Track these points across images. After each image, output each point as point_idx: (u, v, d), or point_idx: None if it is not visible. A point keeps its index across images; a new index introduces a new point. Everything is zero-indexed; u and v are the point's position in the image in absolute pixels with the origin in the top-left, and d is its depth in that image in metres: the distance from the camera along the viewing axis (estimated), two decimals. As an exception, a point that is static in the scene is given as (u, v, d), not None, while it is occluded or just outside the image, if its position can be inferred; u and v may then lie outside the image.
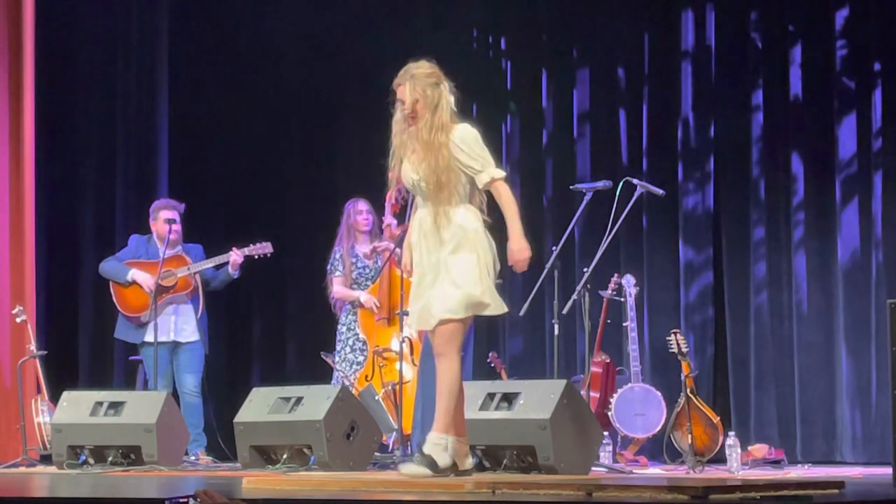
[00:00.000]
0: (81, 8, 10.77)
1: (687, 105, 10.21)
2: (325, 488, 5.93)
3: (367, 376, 8.85)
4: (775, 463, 8.39)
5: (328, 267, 9.26)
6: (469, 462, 6.25)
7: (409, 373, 8.60)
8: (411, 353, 8.56)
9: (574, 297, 8.42)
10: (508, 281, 10.11)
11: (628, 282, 9.27)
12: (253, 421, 7.75)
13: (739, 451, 7.62)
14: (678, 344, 8.37)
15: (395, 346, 8.65)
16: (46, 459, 8.80)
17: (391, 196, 8.59)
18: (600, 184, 8.42)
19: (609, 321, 9.21)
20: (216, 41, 11.09)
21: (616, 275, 9.31)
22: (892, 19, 9.56)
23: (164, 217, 9.24)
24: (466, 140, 6.17)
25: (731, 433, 7.71)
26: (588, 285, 8.47)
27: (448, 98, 6.22)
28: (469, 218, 6.15)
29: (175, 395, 9.03)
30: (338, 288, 9.20)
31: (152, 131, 10.96)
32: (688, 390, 8.60)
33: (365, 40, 10.96)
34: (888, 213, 9.49)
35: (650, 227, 10.26)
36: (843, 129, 9.69)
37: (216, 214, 10.85)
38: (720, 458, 8.19)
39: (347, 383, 8.74)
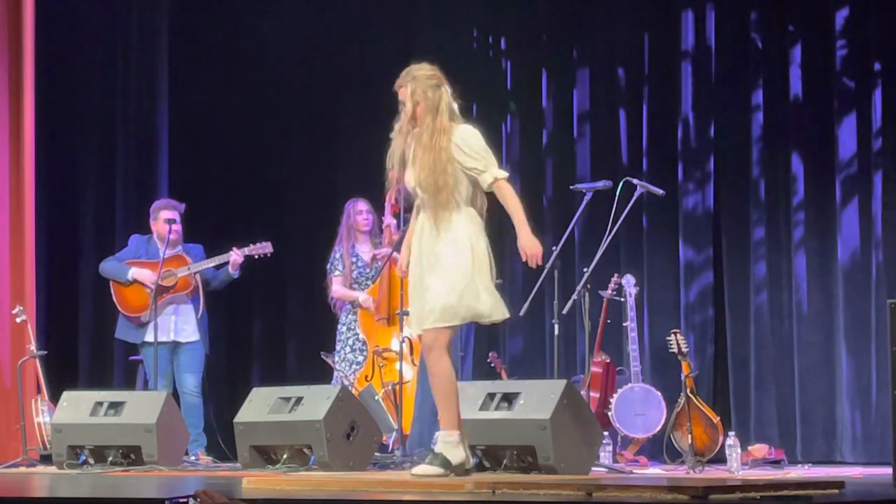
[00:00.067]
0: (81, 8, 10.77)
1: (687, 105, 10.21)
2: (325, 488, 5.93)
3: (366, 376, 8.85)
4: (775, 463, 8.39)
5: (328, 266, 9.26)
6: (469, 461, 6.26)
7: (409, 373, 8.60)
8: (411, 353, 8.56)
9: (574, 297, 8.42)
10: (508, 281, 10.13)
11: (628, 282, 9.27)
12: (253, 421, 7.74)
13: (739, 451, 7.62)
14: (678, 344, 8.37)
15: (394, 346, 8.65)
16: (46, 459, 8.80)
17: (391, 196, 8.59)
18: (600, 184, 8.42)
19: (609, 321, 9.21)
20: (216, 41, 11.09)
21: (616, 275, 9.31)
22: (892, 19, 9.56)
23: (165, 217, 9.24)
24: (468, 141, 6.18)
25: (731, 433, 7.71)
26: (588, 285, 8.47)
27: (449, 100, 6.23)
28: (468, 221, 6.15)
29: (175, 395, 9.03)
30: (337, 287, 9.20)
31: (152, 131, 10.96)
32: (688, 390, 8.60)
33: (365, 40, 10.96)
34: (888, 213, 9.49)
35: (650, 227, 10.26)
36: (843, 129, 9.69)
37: (216, 214, 10.84)
38: (720, 458, 8.19)
39: (347, 383, 8.74)
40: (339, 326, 9.22)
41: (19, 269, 9.80)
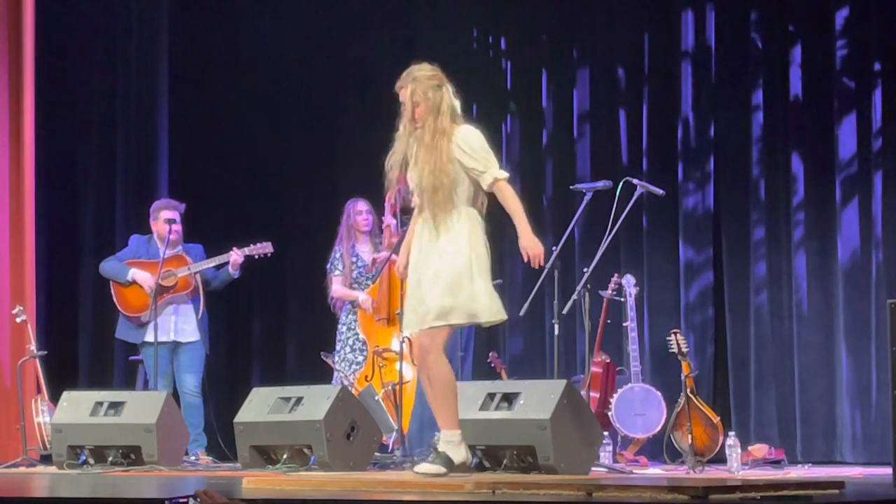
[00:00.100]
0: (81, 8, 10.77)
1: (687, 105, 10.21)
2: (325, 488, 5.93)
3: (366, 376, 8.85)
4: (775, 463, 8.39)
5: (328, 266, 9.26)
6: (470, 460, 6.27)
7: (409, 373, 8.59)
8: (411, 353, 8.56)
9: (574, 297, 8.42)
10: (508, 281, 10.14)
11: (628, 282, 9.27)
12: (253, 421, 7.74)
13: (739, 451, 7.62)
14: (678, 344, 8.37)
15: (395, 346, 8.65)
16: (46, 459, 8.80)
17: (390, 197, 8.59)
18: (600, 184, 8.42)
19: (609, 321, 9.21)
20: (216, 41, 11.08)
21: (616, 275, 9.31)
22: (892, 19, 9.56)
23: (165, 217, 9.24)
24: (469, 141, 6.18)
25: (731, 433, 7.71)
26: (588, 285, 8.47)
27: (450, 101, 6.23)
28: (468, 222, 6.15)
29: (175, 395, 9.03)
30: (337, 287, 9.20)
31: (152, 131, 10.95)
32: (688, 390, 8.60)
33: (365, 40, 10.95)
34: (888, 213, 9.49)
35: (650, 227, 10.26)
36: (843, 129, 9.69)
37: (216, 214, 10.84)
38: (720, 458, 8.19)
39: (347, 383, 8.73)
40: (339, 326, 9.22)
41: (19, 269, 9.80)
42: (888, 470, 6.48)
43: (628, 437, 8.96)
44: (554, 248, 8.27)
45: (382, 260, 8.83)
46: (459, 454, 6.10)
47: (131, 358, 9.76)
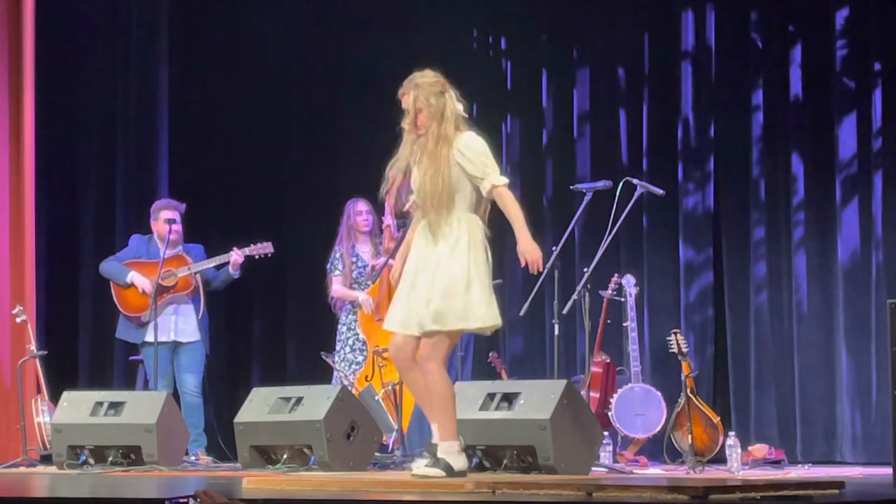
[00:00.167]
0: (81, 8, 10.77)
1: (687, 105, 10.20)
2: (326, 488, 5.93)
3: (366, 376, 8.85)
4: (775, 463, 8.39)
5: (328, 266, 9.26)
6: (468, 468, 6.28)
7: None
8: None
9: (574, 297, 8.42)
10: (508, 281, 10.14)
11: (628, 282, 9.27)
12: (253, 421, 7.75)
13: (739, 451, 7.61)
14: (678, 344, 8.37)
15: (395, 346, 8.63)
16: (46, 459, 8.80)
17: (390, 198, 8.58)
18: (600, 184, 8.42)
19: (609, 321, 9.21)
20: (216, 41, 11.08)
21: (616, 275, 9.31)
22: (892, 19, 9.56)
23: (165, 217, 9.24)
24: (470, 147, 6.17)
25: (731, 433, 7.71)
26: (588, 285, 8.47)
27: (454, 107, 6.22)
28: (468, 229, 6.14)
29: (175, 395, 9.03)
30: (337, 287, 9.20)
31: (152, 131, 10.95)
32: (688, 390, 8.60)
33: (365, 40, 10.96)
34: (888, 213, 9.49)
35: (650, 227, 10.26)
36: (843, 129, 9.69)
37: (216, 214, 10.84)
38: (720, 458, 8.19)
39: (347, 383, 8.73)
40: (339, 326, 9.22)
41: (19, 269, 9.80)
42: (888, 470, 6.48)
43: (628, 437, 8.96)
44: (554, 248, 8.27)
45: (380, 266, 8.83)
46: (459, 462, 6.09)
47: (131, 358, 9.76)
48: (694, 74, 10.22)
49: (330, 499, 5.50)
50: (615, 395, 8.94)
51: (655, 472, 8.00)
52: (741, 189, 10.02)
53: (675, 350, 8.38)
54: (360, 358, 9.01)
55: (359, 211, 9.23)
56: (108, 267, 9.38)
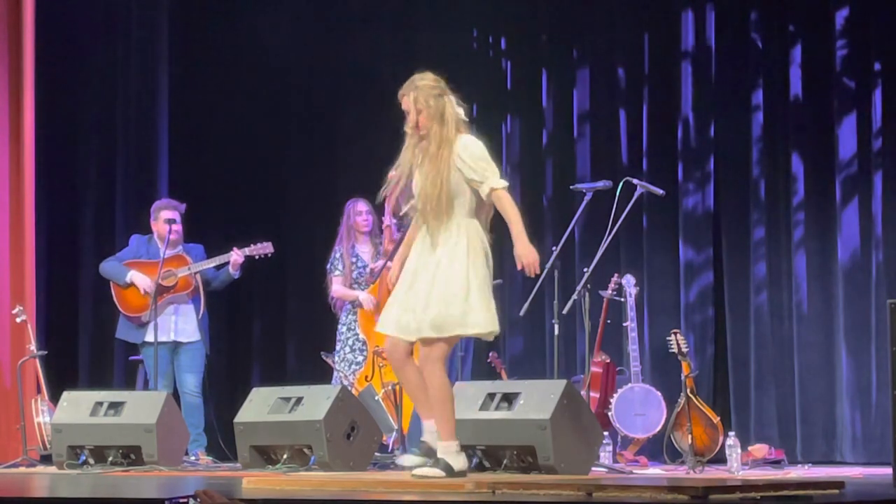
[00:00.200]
0: (81, 8, 10.77)
1: (687, 105, 10.20)
2: (326, 488, 5.93)
3: (366, 376, 8.85)
4: (775, 463, 8.39)
5: (328, 266, 9.26)
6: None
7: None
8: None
9: (574, 297, 8.42)
10: (508, 281, 10.14)
11: (628, 282, 9.27)
12: (253, 421, 7.75)
13: (739, 451, 7.61)
14: (678, 344, 8.37)
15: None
16: (46, 459, 8.80)
17: (389, 200, 8.57)
18: (600, 184, 8.42)
19: (609, 321, 9.21)
20: (216, 41, 11.08)
21: (616, 275, 9.31)
22: (892, 19, 9.56)
23: (165, 217, 9.24)
24: (469, 150, 6.17)
25: (731, 433, 7.71)
26: (588, 285, 8.47)
27: (454, 110, 6.21)
28: (468, 233, 6.13)
29: (175, 395, 9.03)
30: (337, 287, 9.20)
31: (152, 131, 10.95)
32: (688, 390, 8.60)
33: (365, 40, 10.96)
34: (888, 213, 9.49)
35: (650, 227, 10.26)
36: (843, 129, 9.69)
37: (216, 214, 10.84)
38: (720, 458, 8.19)
39: (347, 383, 8.74)
40: (339, 326, 9.22)
41: (19, 269, 9.80)
42: (888, 470, 6.48)
43: (628, 437, 8.96)
44: (554, 248, 8.27)
45: (378, 269, 8.83)
46: (459, 462, 6.09)
47: (131, 358, 9.76)
48: (694, 74, 10.22)
49: (330, 499, 5.50)
50: (615, 395, 8.94)
51: (655, 472, 8.00)
52: (741, 189, 10.02)
53: (675, 350, 8.38)
54: (360, 358, 9.01)
55: (359, 211, 9.23)
56: (108, 267, 9.38)
